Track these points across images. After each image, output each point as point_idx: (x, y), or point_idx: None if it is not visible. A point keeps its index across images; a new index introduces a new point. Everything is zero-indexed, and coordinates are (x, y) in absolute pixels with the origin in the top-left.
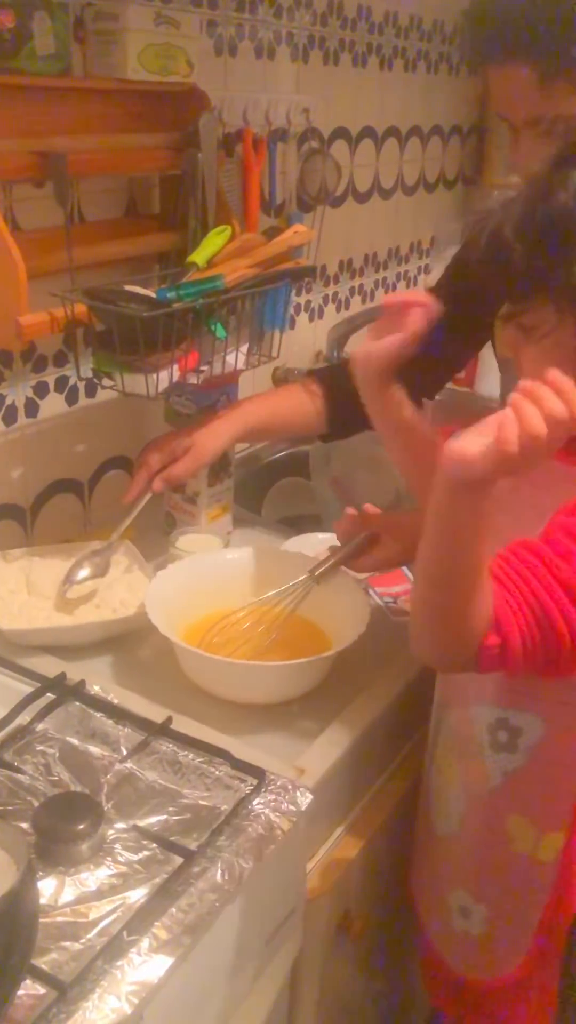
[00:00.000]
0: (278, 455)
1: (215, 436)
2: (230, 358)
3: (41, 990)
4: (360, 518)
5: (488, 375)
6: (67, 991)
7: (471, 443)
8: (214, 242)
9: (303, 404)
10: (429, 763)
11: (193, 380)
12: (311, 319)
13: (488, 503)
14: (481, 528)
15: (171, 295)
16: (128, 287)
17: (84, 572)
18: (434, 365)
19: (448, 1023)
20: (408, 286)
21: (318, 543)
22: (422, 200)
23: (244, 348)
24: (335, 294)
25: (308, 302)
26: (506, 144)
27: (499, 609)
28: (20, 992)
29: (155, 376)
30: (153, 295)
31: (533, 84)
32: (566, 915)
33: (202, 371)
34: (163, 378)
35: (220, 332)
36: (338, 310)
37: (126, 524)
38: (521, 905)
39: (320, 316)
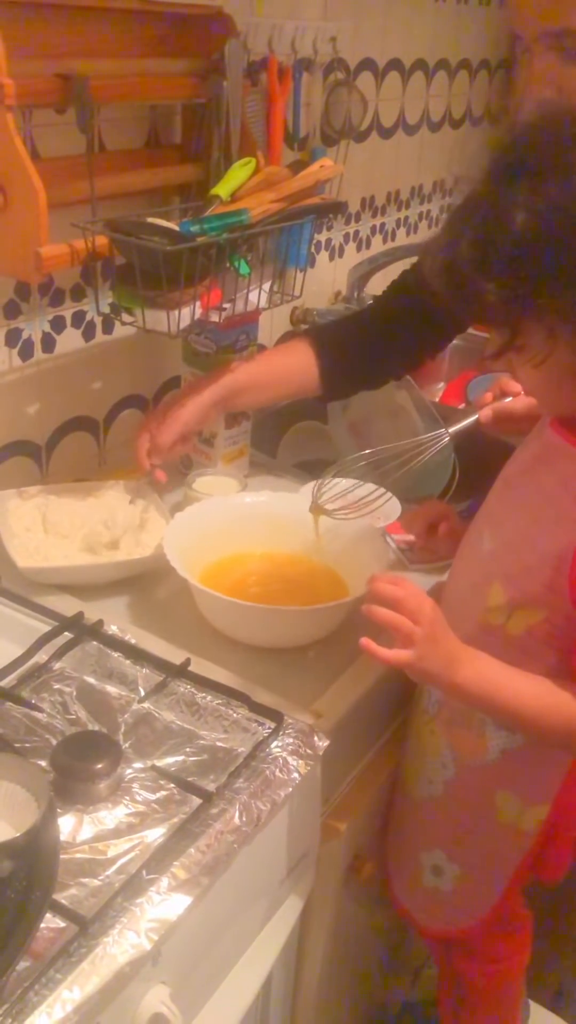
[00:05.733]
0: None
1: (195, 394)
2: (252, 296)
3: (62, 924)
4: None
5: None
6: (88, 926)
7: (393, 656)
8: (238, 175)
9: (296, 363)
10: (406, 728)
11: (215, 318)
12: (331, 258)
13: (463, 669)
14: (483, 685)
15: (195, 229)
16: (151, 220)
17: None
18: (434, 332)
19: (436, 957)
20: (430, 227)
21: (335, 489)
22: (447, 137)
23: (266, 286)
24: (356, 232)
25: (328, 240)
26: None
27: None
28: (41, 926)
29: (177, 313)
30: (176, 228)
31: None
32: (548, 877)
33: (224, 309)
34: (185, 315)
35: (244, 269)
36: (359, 249)
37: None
38: (495, 867)
39: (340, 255)
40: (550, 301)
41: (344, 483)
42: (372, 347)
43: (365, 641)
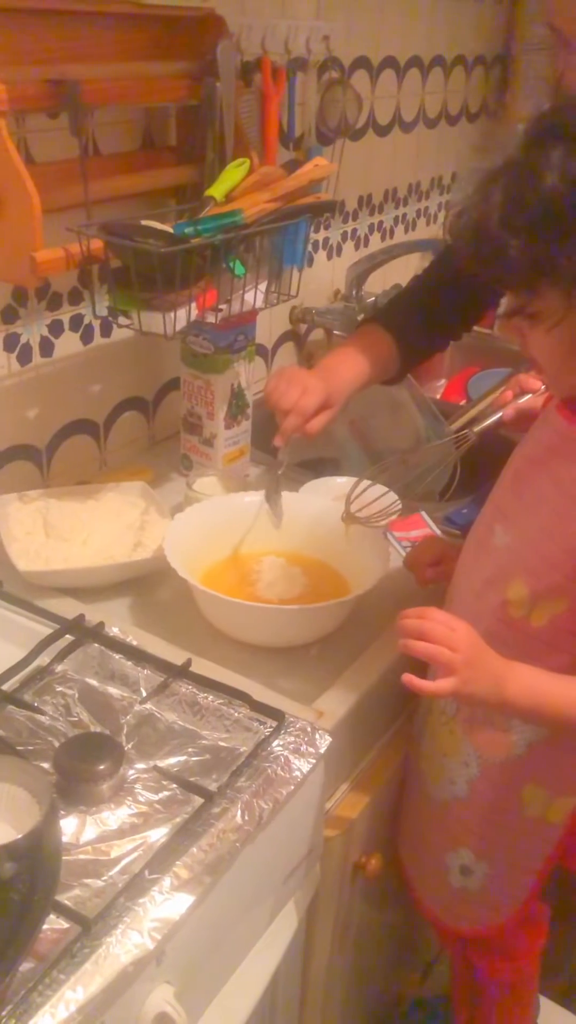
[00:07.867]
0: None
1: (347, 383)
2: (248, 296)
3: (65, 925)
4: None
5: None
6: (91, 926)
7: (436, 687)
8: (232, 175)
9: (385, 351)
10: (420, 729)
11: (211, 319)
12: (329, 257)
13: (510, 686)
14: (533, 697)
15: (189, 230)
16: (145, 222)
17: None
18: (457, 312)
19: (452, 954)
20: (428, 224)
21: (336, 487)
22: (444, 134)
23: (263, 286)
24: (354, 231)
25: (326, 239)
26: (549, 65)
27: None
28: (44, 927)
29: (173, 314)
30: (171, 230)
31: None
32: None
33: (220, 310)
34: (181, 317)
35: (239, 269)
36: (357, 247)
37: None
38: (523, 862)
39: (338, 253)
40: (571, 264)
41: (371, 490)
42: (434, 316)
43: (407, 677)
